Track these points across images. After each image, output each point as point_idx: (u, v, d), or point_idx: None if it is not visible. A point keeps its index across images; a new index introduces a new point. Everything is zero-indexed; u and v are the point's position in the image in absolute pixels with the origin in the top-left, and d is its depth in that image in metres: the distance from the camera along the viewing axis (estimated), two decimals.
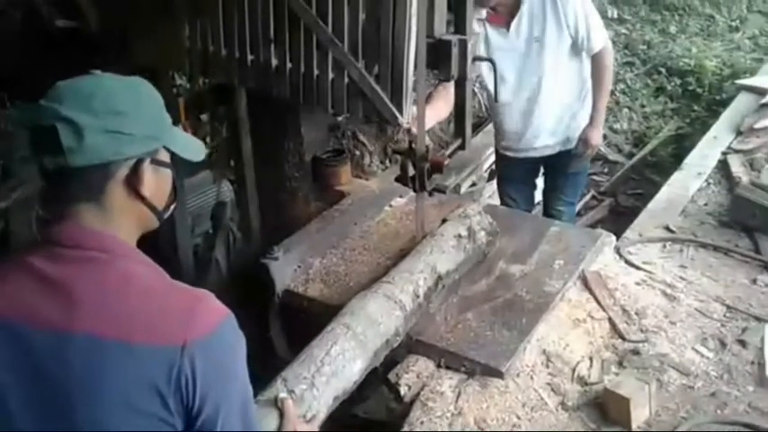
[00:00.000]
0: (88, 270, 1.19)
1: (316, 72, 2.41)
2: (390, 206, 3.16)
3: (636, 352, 2.37)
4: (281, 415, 1.60)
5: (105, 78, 1.24)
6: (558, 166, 3.48)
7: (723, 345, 2.42)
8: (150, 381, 1.14)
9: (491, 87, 2.99)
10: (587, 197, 4.97)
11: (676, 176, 3.76)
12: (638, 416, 2.10)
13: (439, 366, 2.30)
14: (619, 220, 4.47)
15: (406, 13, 2.15)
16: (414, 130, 2.36)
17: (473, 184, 4.50)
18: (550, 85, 3.24)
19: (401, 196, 3.17)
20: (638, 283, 2.71)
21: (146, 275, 1.23)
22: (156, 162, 1.26)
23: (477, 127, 4.77)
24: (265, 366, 1.97)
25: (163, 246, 2.93)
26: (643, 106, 6.07)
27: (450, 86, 2.57)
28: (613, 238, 2.96)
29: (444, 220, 2.68)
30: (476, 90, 4.67)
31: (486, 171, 4.59)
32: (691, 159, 3.95)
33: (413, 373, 2.25)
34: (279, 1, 2.38)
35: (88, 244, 1.20)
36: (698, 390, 2.24)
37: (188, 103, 3.05)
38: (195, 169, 3.38)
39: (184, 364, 1.14)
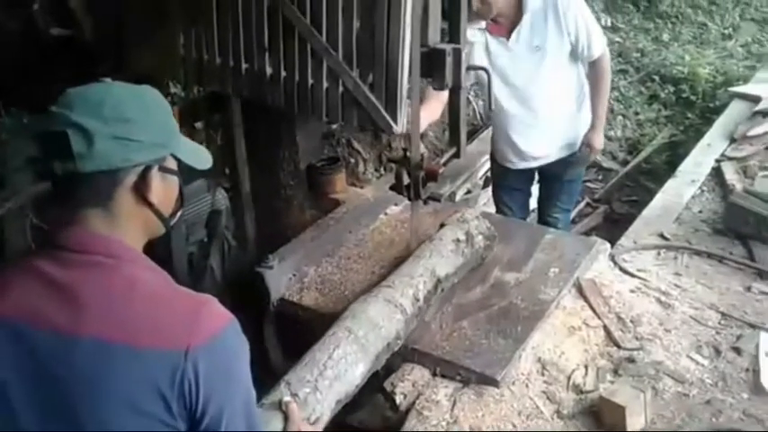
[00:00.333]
0: (95, 274, 1.20)
1: (310, 81, 2.42)
2: (385, 214, 3.16)
3: (631, 360, 2.37)
4: (286, 418, 1.62)
5: (114, 86, 1.26)
6: (554, 173, 3.48)
7: (718, 352, 2.42)
8: (154, 384, 1.15)
9: (493, 94, 2.99)
10: (582, 204, 4.97)
11: (670, 184, 3.78)
12: (634, 424, 2.10)
13: (434, 375, 2.30)
14: (613, 227, 4.47)
15: (400, 22, 2.16)
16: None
17: (468, 192, 4.50)
18: (551, 92, 3.24)
19: (396, 204, 3.17)
20: (632, 291, 2.71)
21: (151, 281, 1.24)
22: (164, 169, 1.28)
23: (471, 134, 4.76)
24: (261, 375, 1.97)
25: (158, 254, 2.91)
26: (637, 114, 6.08)
27: None
28: (608, 245, 2.96)
29: (443, 225, 2.68)
30: (470, 98, 4.67)
31: (480, 178, 4.59)
32: (685, 167, 3.97)
33: (408, 382, 2.25)
34: (273, 10, 2.39)
35: (95, 249, 1.22)
36: (693, 397, 2.24)
37: (183, 111, 3.04)
38: (190, 177, 3.37)
39: (188, 369, 1.15)
